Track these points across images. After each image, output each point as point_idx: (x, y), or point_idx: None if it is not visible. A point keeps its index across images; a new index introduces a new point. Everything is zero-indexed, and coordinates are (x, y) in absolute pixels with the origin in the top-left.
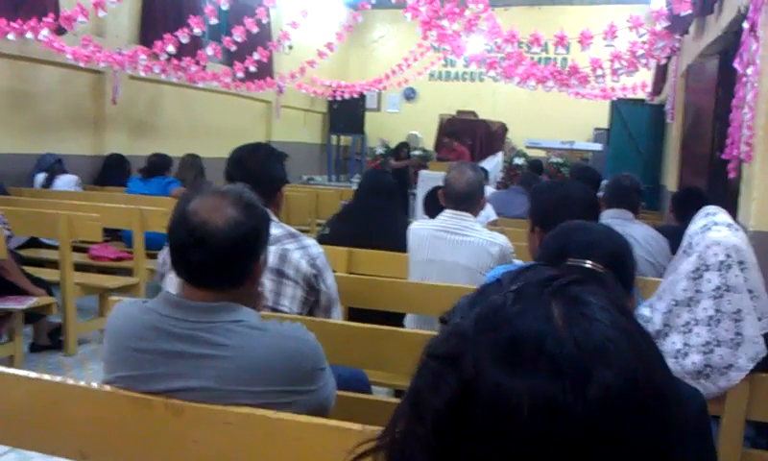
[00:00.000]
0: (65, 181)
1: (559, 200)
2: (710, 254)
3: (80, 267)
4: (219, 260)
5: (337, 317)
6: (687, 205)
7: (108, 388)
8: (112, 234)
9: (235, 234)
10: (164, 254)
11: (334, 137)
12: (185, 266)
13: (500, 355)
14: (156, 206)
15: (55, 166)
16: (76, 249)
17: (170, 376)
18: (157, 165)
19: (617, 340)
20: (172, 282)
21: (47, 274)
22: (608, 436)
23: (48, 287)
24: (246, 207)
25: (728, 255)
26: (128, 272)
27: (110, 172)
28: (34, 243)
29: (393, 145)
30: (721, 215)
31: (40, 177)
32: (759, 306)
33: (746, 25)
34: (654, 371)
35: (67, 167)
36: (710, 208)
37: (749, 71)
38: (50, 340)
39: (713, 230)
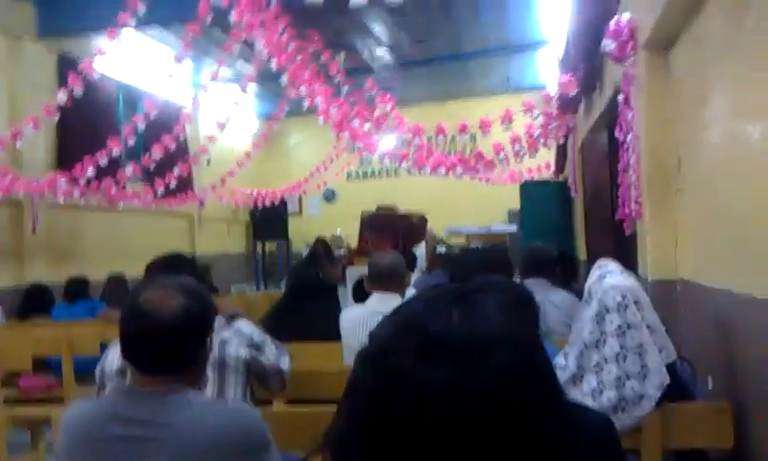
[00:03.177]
0: None
1: (473, 256)
2: (609, 297)
3: (8, 401)
4: (169, 345)
5: (287, 366)
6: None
7: None
8: (39, 365)
9: (184, 318)
10: (102, 366)
11: (259, 245)
12: (137, 354)
13: (415, 351)
14: (84, 328)
15: None
16: (3, 384)
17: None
18: (78, 290)
19: (504, 333)
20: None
21: None
22: (501, 405)
23: None
24: (192, 294)
25: (624, 297)
26: (59, 400)
27: (32, 303)
28: None
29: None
30: (612, 265)
31: None
32: (658, 340)
33: (621, 98)
34: (533, 354)
35: None
36: (602, 261)
37: (629, 138)
38: None
39: (608, 277)
